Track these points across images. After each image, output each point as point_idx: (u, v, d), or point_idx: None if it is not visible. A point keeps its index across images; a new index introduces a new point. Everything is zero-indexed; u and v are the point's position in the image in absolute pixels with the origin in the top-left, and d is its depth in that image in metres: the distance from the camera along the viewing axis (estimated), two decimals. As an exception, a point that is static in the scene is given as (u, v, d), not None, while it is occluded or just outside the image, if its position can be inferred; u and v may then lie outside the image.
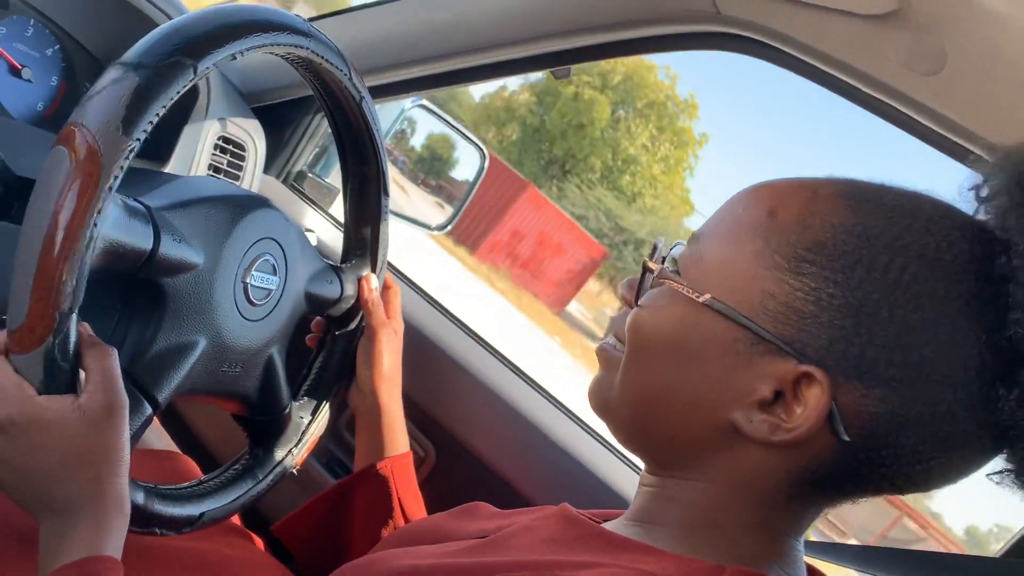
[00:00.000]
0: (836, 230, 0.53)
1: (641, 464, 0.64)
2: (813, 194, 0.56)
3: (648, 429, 0.60)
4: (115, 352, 0.62)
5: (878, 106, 0.89)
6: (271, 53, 0.70)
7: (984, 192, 0.56)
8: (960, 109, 0.82)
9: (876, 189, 0.55)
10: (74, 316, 0.57)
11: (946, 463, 0.53)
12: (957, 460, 0.53)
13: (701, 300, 0.56)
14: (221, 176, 1.15)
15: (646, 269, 0.61)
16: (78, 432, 0.58)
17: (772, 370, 0.53)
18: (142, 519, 0.68)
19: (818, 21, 0.86)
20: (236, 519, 0.90)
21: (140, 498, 0.68)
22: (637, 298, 0.61)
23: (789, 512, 0.57)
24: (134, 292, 0.69)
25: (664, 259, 0.62)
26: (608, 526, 0.63)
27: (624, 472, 1.07)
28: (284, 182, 1.31)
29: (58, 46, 1.03)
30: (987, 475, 0.56)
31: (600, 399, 0.64)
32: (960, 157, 0.86)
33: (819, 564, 0.65)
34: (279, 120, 1.27)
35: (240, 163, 1.18)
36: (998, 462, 0.55)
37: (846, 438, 0.52)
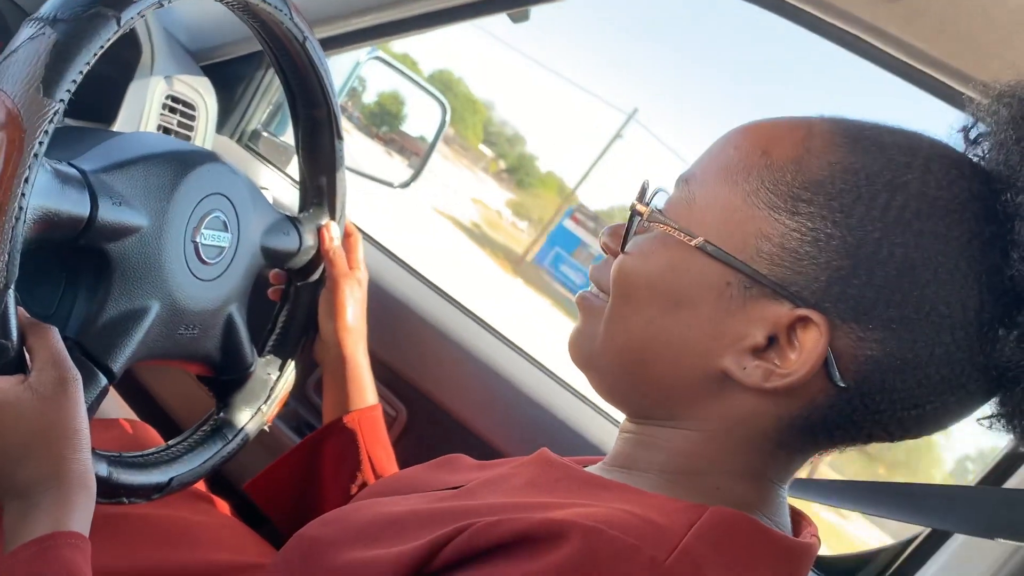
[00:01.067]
0: (833, 168, 0.51)
1: (618, 415, 0.63)
2: (808, 132, 0.54)
3: (635, 379, 0.58)
4: (55, 328, 0.59)
5: (840, 35, 0.87)
6: None
7: (977, 131, 0.54)
8: (926, 36, 0.81)
9: (872, 127, 0.54)
10: (11, 292, 0.54)
11: (940, 408, 0.52)
12: (952, 404, 0.52)
13: (693, 243, 0.54)
14: (171, 137, 1.11)
15: (634, 212, 0.59)
16: (32, 411, 0.55)
17: (766, 314, 0.52)
18: (108, 490, 0.66)
19: (780, -49, 0.84)
20: (201, 485, 0.88)
21: (103, 469, 0.66)
22: (624, 244, 0.59)
23: (776, 460, 0.56)
24: (77, 260, 0.66)
25: (649, 203, 0.59)
26: (588, 469, 0.62)
27: (598, 422, 1.06)
28: (239, 142, 1.27)
29: (-12, 5, 0.97)
30: (977, 420, 0.56)
31: (582, 350, 0.62)
32: (925, 87, 0.85)
33: (804, 505, 0.64)
34: (230, 78, 1.22)
35: (191, 123, 1.14)
36: (988, 407, 0.55)
37: (842, 384, 0.51)
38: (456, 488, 0.66)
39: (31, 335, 0.58)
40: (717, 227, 0.54)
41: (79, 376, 0.58)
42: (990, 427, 0.55)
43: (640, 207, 0.58)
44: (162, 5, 0.60)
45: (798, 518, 0.60)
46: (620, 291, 0.58)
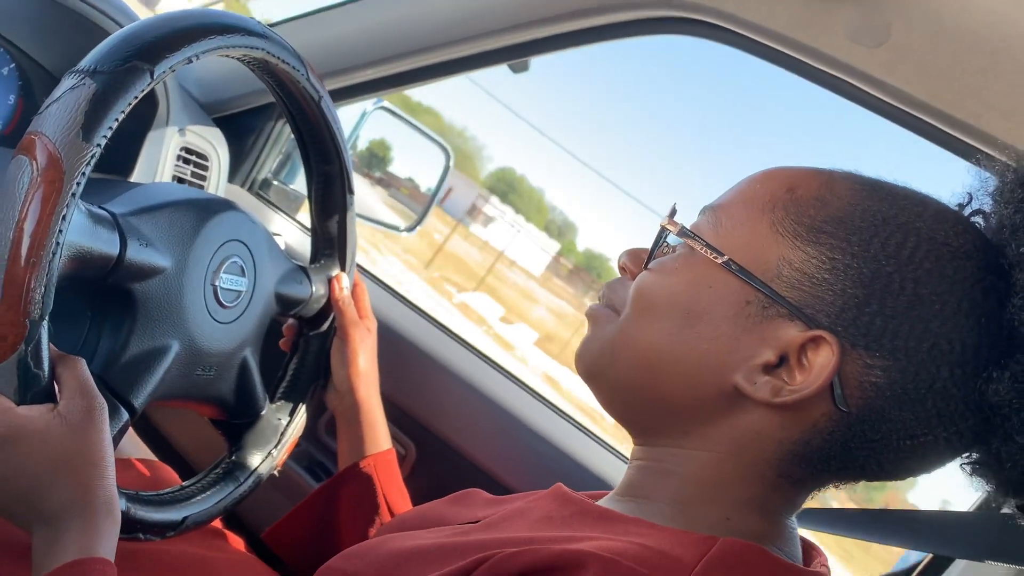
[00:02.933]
0: (854, 208, 0.55)
1: (624, 450, 0.65)
2: (830, 177, 0.58)
3: (646, 393, 0.60)
4: (83, 361, 0.62)
5: (828, 81, 0.91)
6: (226, 56, 0.70)
7: (972, 208, 0.59)
8: (908, 78, 0.85)
9: (885, 182, 0.58)
10: (45, 323, 0.57)
11: (931, 443, 0.54)
12: (942, 441, 0.55)
13: (719, 261, 0.57)
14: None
15: (663, 229, 0.62)
16: (61, 439, 0.58)
17: (779, 334, 0.54)
18: (126, 525, 0.68)
19: (766, 0, 0.88)
20: (218, 522, 0.90)
21: (123, 504, 0.68)
22: (648, 262, 0.62)
23: (779, 491, 0.58)
24: (104, 298, 0.69)
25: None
26: (601, 503, 0.63)
27: (605, 457, 1.08)
28: (249, 190, 1.31)
29: (13, 65, 1.02)
30: (960, 464, 0.58)
31: (590, 360, 0.63)
32: (909, 127, 0.88)
33: (817, 536, 0.66)
34: (241, 129, 1.27)
35: (204, 173, 1.18)
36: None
37: (844, 408, 0.53)
38: (475, 522, 0.68)
39: (60, 366, 0.60)
40: (741, 249, 0.57)
41: (105, 405, 0.61)
42: (971, 474, 0.58)
43: (669, 224, 0.61)
44: (191, 61, 0.64)
45: (808, 548, 0.62)
46: (639, 305, 0.61)
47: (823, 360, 0.53)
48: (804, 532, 0.66)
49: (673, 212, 0.62)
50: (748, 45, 0.94)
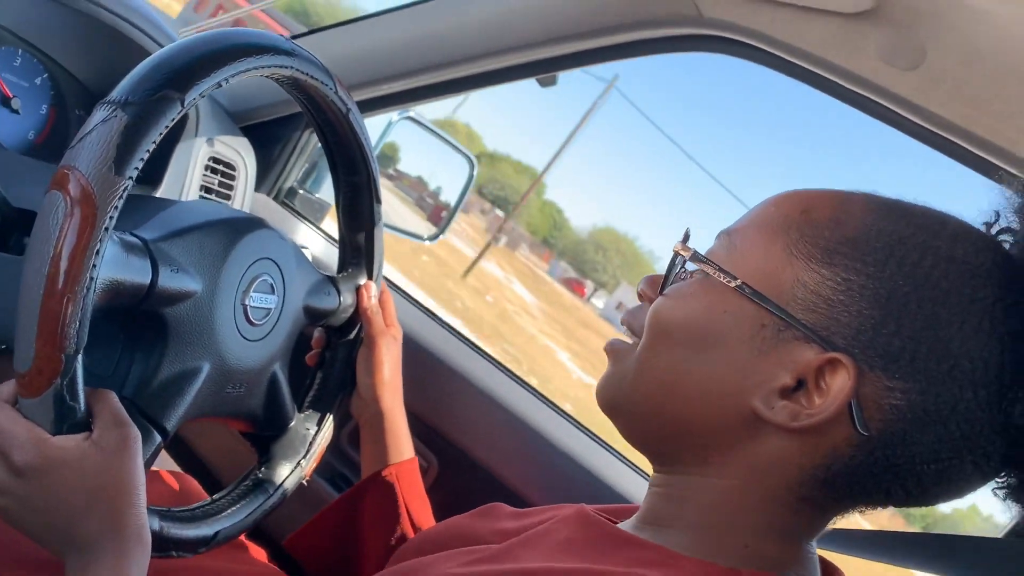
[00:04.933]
0: (869, 229, 0.55)
1: (645, 466, 0.65)
2: (846, 198, 0.58)
3: (664, 419, 0.60)
4: (113, 392, 0.63)
5: (859, 101, 0.90)
6: (256, 76, 0.70)
7: (999, 226, 0.57)
8: (941, 102, 0.84)
9: (903, 203, 0.57)
10: (80, 357, 0.58)
11: (956, 467, 0.53)
12: (968, 465, 0.54)
13: (733, 285, 0.56)
14: (212, 196, 1.16)
15: (676, 254, 0.61)
16: (96, 468, 0.58)
17: (796, 357, 0.54)
18: (159, 543, 0.68)
19: (798, 20, 0.88)
20: (242, 537, 0.91)
21: (156, 523, 0.68)
22: (663, 288, 0.62)
23: (799, 516, 0.57)
24: (136, 324, 0.69)
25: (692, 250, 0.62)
26: (623, 526, 0.63)
27: (625, 473, 1.08)
28: (275, 199, 1.32)
29: (47, 75, 1.03)
30: (992, 489, 0.57)
31: (610, 394, 0.63)
32: (943, 150, 0.87)
33: (837, 559, 0.65)
34: (268, 138, 1.27)
35: (231, 182, 1.19)
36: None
37: (864, 432, 0.52)
38: (499, 543, 0.68)
39: (92, 396, 0.61)
40: (756, 273, 0.56)
41: (139, 434, 0.62)
42: (1004, 499, 0.57)
43: (682, 249, 0.61)
44: (220, 86, 0.64)
45: (830, 571, 0.61)
46: (654, 331, 0.60)
47: (840, 383, 0.52)
48: (830, 555, 0.65)
49: (686, 237, 0.62)
50: (778, 64, 0.94)
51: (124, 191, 0.57)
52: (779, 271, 0.56)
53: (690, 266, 0.61)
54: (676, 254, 0.61)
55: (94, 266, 0.56)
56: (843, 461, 0.54)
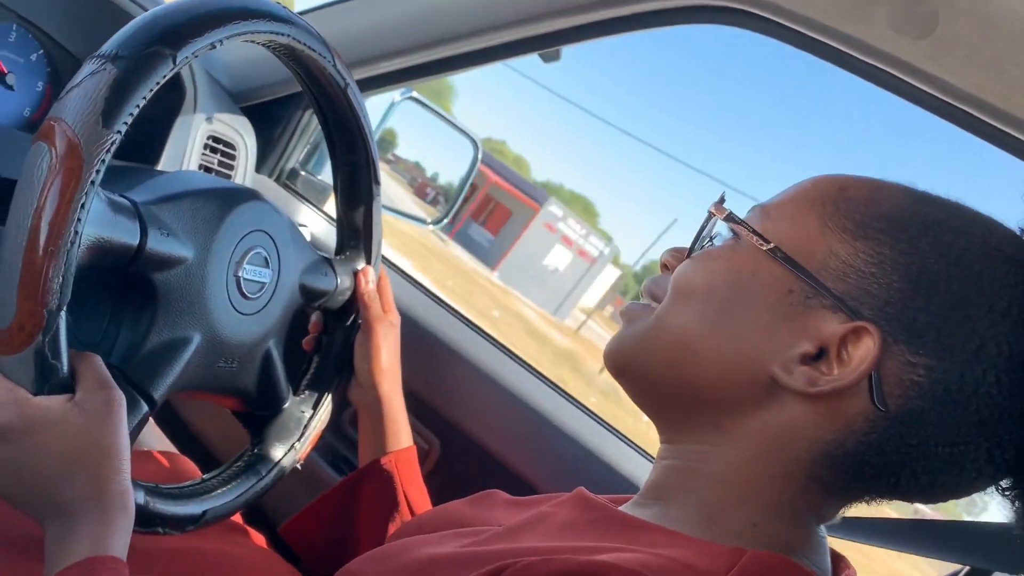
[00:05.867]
0: (904, 209, 0.55)
1: (652, 450, 0.63)
2: (882, 182, 0.58)
3: (679, 380, 0.59)
4: (97, 356, 0.61)
5: (869, 71, 0.88)
6: (251, 41, 0.69)
7: None
8: (954, 70, 0.81)
9: (937, 195, 0.57)
10: (63, 314, 0.56)
11: (969, 458, 0.52)
12: (982, 456, 0.52)
13: (765, 248, 0.56)
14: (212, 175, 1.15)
15: (711, 215, 0.61)
16: (78, 431, 0.57)
17: (821, 325, 0.54)
18: (144, 519, 0.67)
19: (807, -11, 0.85)
20: (237, 516, 0.89)
21: (141, 498, 0.67)
22: (692, 250, 0.62)
23: (808, 496, 0.56)
24: (125, 289, 0.68)
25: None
26: (624, 508, 0.62)
27: (631, 456, 1.06)
28: (277, 180, 1.30)
29: (42, 51, 1.02)
30: (1003, 492, 0.56)
31: (622, 352, 0.62)
32: (954, 120, 0.85)
33: (846, 547, 0.64)
34: (269, 118, 1.26)
35: (231, 162, 1.17)
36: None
37: (882, 407, 0.52)
38: (496, 527, 0.66)
39: (76, 359, 0.60)
40: (788, 239, 0.56)
41: (123, 398, 0.60)
42: (1013, 502, 0.55)
43: (716, 210, 0.61)
44: (215, 47, 0.63)
45: (836, 559, 0.60)
46: (679, 290, 0.60)
47: (863, 352, 0.52)
48: (839, 543, 0.63)
49: (722, 199, 0.61)
50: (786, 35, 0.91)
51: (112, 145, 0.56)
52: (812, 240, 0.55)
53: (720, 236, 0.61)
54: (710, 215, 0.61)
55: (79, 219, 0.55)
56: (857, 437, 0.53)
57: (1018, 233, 0.56)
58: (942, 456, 0.52)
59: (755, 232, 0.57)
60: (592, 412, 1.10)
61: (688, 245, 0.64)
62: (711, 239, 0.62)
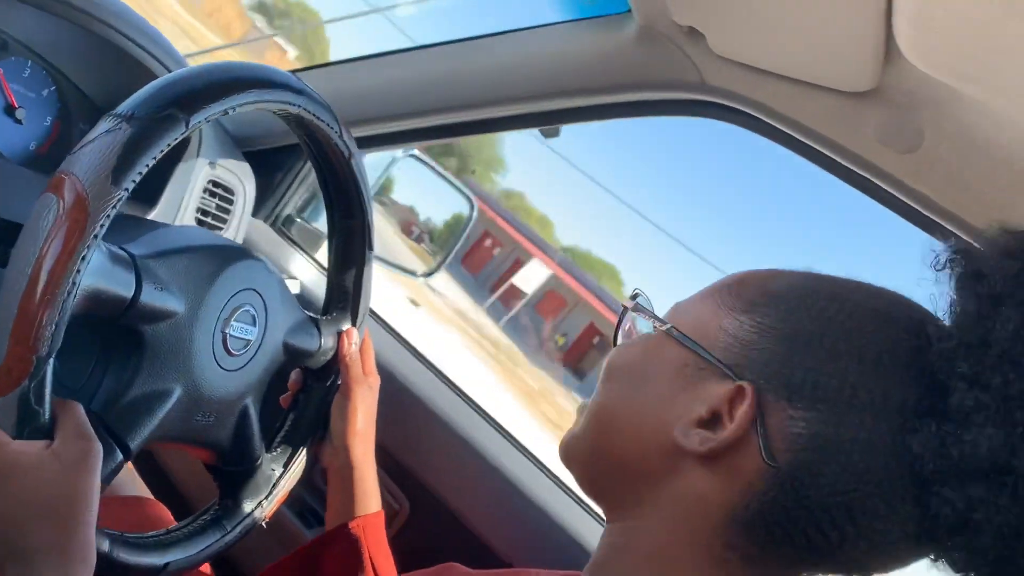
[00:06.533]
0: (789, 286, 0.60)
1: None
2: (782, 271, 0.63)
3: (605, 456, 0.63)
4: (80, 404, 0.62)
5: (853, 178, 0.91)
6: (263, 110, 0.71)
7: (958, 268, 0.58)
8: (935, 187, 0.84)
9: (831, 276, 0.62)
10: (51, 362, 0.57)
11: (869, 511, 0.53)
12: (880, 507, 0.53)
13: (664, 328, 0.62)
14: (209, 219, 1.16)
15: (624, 308, 0.68)
16: (51, 479, 0.57)
17: (712, 391, 0.58)
18: (107, 567, 0.67)
19: (800, 95, 0.89)
20: (207, 567, 0.89)
21: (105, 546, 0.67)
22: (615, 338, 0.68)
23: (728, 568, 0.57)
24: (113, 337, 0.69)
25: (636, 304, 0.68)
26: None
27: (597, 529, 1.06)
28: (272, 226, 1.32)
29: (54, 87, 1.04)
30: (931, 558, 0.56)
31: (566, 444, 0.67)
32: (932, 231, 0.87)
33: None
34: (270, 165, 1.28)
35: (228, 207, 1.19)
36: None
37: (770, 463, 0.54)
38: None
39: (59, 406, 0.61)
40: (688, 323, 0.62)
41: (100, 449, 0.61)
42: (936, 560, 0.56)
43: (627, 303, 0.68)
44: (227, 113, 0.65)
45: None
46: (606, 372, 0.66)
47: (743, 409, 0.55)
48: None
49: (635, 295, 0.68)
50: (776, 135, 0.94)
51: (118, 202, 0.58)
52: (707, 322, 0.61)
53: (641, 325, 0.68)
54: (624, 308, 0.68)
55: (78, 271, 0.56)
56: (758, 497, 0.55)
57: (902, 296, 0.60)
58: (839, 507, 0.53)
59: (655, 316, 0.64)
60: (566, 486, 1.10)
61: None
62: (633, 310, 0.68)
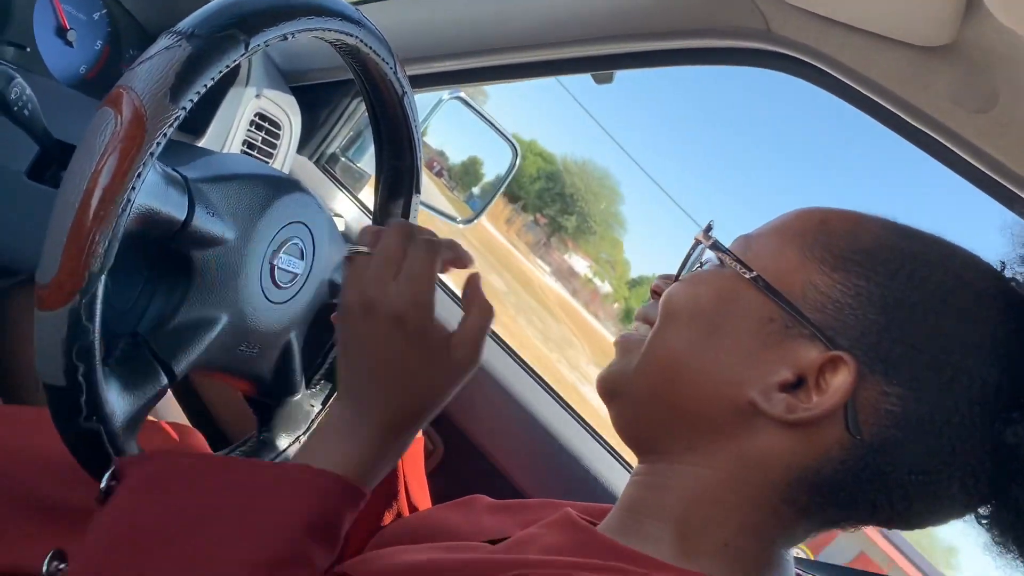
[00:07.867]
0: (883, 243, 0.56)
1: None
2: (862, 216, 0.59)
3: (662, 404, 0.59)
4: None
5: (921, 139, 0.88)
6: (320, 38, 0.70)
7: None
8: (1007, 150, 0.81)
9: (918, 229, 0.59)
10: (103, 278, 0.57)
11: (943, 486, 0.53)
12: (955, 485, 0.53)
13: (748, 276, 0.57)
14: (255, 153, 1.16)
15: (697, 242, 0.63)
16: (451, 372, 0.61)
17: (800, 354, 0.54)
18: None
19: (870, 48, 0.85)
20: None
21: None
22: (679, 274, 0.63)
23: (779, 518, 0.56)
24: (163, 261, 0.69)
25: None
26: (605, 528, 0.62)
27: (625, 478, 1.06)
28: (316, 163, 1.31)
29: (105, 11, 1.03)
30: (978, 520, 0.57)
31: (612, 380, 0.63)
32: (1002, 198, 0.84)
33: None
34: (316, 101, 1.27)
35: (274, 141, 1.18)
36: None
37: (858, 436, 0.53)
38: (471, 536, 0.67)
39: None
40: (770, 269, 0.57)
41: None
42: (989, 528, 0.56)
43: (702, 237, 0.62)
44: (286, 38, 0.63)
45: None
46: (666, 314, 0.61)
47: (839, 381, 0.53)
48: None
49: (709, 227, 0.63)
50: (842, 90, 0.91)
51: (176, 120, 0.57)
52: (792, 271, 0.57)
53: (706, 258, 0.63)
54: (696, 241, 0.63)
55: (133, 188, 0.55)
56: (833, 465, 0.54)
57: (996, 268, 0.57)
58: (916, 484, 0.53)
59: (739, 260, 0.58)
60: (598, 434, 1.10)
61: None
62: (700, 265, 0.64)
